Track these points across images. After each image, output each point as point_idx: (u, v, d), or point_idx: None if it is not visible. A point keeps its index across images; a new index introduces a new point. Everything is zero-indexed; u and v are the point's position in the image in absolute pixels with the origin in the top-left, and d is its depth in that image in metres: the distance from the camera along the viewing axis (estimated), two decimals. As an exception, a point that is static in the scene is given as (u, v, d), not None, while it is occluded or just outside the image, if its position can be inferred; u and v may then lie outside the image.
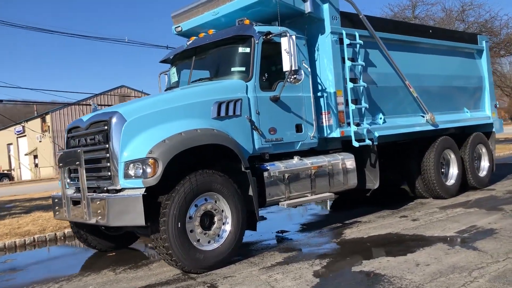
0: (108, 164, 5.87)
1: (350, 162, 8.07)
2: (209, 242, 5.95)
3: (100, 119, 6.11)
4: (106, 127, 5.93)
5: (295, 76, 6.82)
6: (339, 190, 8.19)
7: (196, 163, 6.25)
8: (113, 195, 5.66)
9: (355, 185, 8.28)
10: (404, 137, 9.49)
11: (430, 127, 9.57)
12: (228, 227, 6.11)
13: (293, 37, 6.71)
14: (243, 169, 6.33)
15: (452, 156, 10.24)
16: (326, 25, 7.81)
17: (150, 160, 5.55)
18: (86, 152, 6.23)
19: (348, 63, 7.94)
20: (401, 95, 9.08)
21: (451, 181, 10.13)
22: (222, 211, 6.10)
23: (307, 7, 7.48)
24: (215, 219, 6.03)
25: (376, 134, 8.37)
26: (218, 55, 7.43)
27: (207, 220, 5.99)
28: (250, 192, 6.41)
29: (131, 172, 5.65)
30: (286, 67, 6.67)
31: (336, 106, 7.83)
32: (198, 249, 5.78)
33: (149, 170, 5.54)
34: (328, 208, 10.77)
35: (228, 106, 6.51)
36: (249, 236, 7.90)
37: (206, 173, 5.95)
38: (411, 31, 9.51)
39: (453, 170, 10.24)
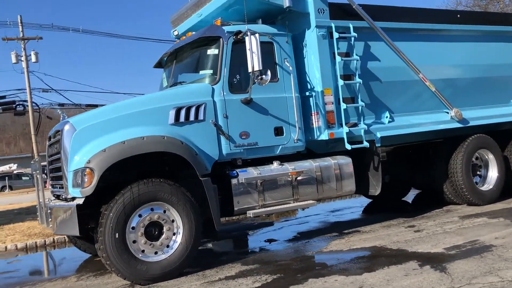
0: (61, 173, 5.97)
1: (345, 166, 7.40)
2: (156, 253, 5.78)
3: (58, 129, 6.24)
4: (59, 137, 6.03)
5: (261, 76, 6.38)
6: (331, 196, 7.60)
7: (154, 172, 6.16)
8: (57, 204, 5.74)
9: (352, 192, 7.59)
10: (427, 137, 8.52)
11: (456, 125, 8.45)
12: (179, 238, 5.89)
13: (257, 35, 6.28)
14: (199, 177, 6.06)
15: (491, 156, 8.98)
16: (311, 19, 7.23)
17: (87, 169, 5.54)
18: (54, 160, 6.41)
19: (338, 59, 7.27)
20: (414, 90, 8.12)
21: (488, 186, 8.90)
22: (173, 221, 5.90)
23: (285, 2, 6.96)
24: (164, 229, 5.85)
25: (379, 134, 7.58)
26: (191, 58, 7.24)
27: (155, 231, 5.82)
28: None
29: (75, 182, 5.68)
30: (250, 67, 6.28)
31: (324, 106, 7.22)
32: (141, 260, 5.64)
33: (86, 179, 5.53)
34: (353, 212, 10.03)
35: (188, 111, 6.28)
36: (235, 244, 7.64)
37: (152, 182, 5.79)
38: (429, 18, 8.44)
39: (492, 173, 8.98)
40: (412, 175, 9.52)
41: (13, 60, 33.35)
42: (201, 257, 6.95)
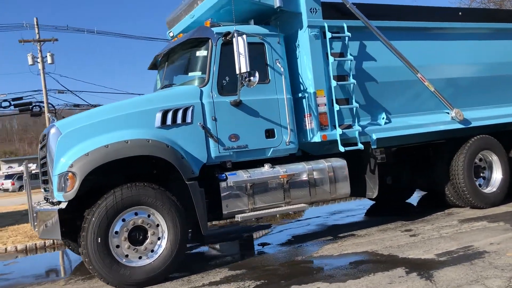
0: (47, 176, 5.96)
1: (339, 169, 7.24)
2: (140, 257, 5.73)
3: (45, 133, 6.23)
4: (46, 141, 6.03)
5: (249, 78, 6.26)
6: (325, 199, 7.46)
7: (142, 175, 6.12)
8: (42, 208, 5.74)
9: (347, 194, 7.44)
10: (428, 138, 8.31)
11: (458, 126, 8.21)
12: (164, 243, 5.83)
13: (244, 37, 6.18)
14: (186, 181, 5.99)
15: (495, 158, 8.72)
16: (303, 19, 7.08)
17: (69, 174, 5.52)
18: (43, 164, 6.41)
19: (331, 59, 7.12)
20: (412, 91, 7.91)
21: (492, 188, 8.64)
22: (158, 225, 5.84)
23: (276, 2, 6.84)
24: (148, 234, 5.79)
25: (374, 136, 7.39)
26: (181, 60, 7.17)
27: (139, 235, 5.77)
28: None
29: (59, 185, 5.66)
30: (237, 69, 6.18)
31: (316, 108, 7.08)
32: (124, 264, 5.59)
33: (68, 183, 5.51)
34: (353, 215, 9.86)
35: (175, 114, 6.21)
36: (228, 248, 7.57)
37: (136, 186, 5.74)
38: (428, 16, 8.21)
39: (496, 175, 8.72)
40: (413, 177, 9.31)
41: (30, 61, 33.81)
42: (192, 261, 6.90)
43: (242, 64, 6.14)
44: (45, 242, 9.42)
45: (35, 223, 5.95)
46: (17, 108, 34.28)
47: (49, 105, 34.92)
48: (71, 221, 5.76)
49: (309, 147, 7.45)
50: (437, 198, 9.10)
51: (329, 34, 7.11)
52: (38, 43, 34.27)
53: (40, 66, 34.08)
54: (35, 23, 34.38)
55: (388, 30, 7.65)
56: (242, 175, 6.50)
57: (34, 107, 34.79)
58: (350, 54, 7.35)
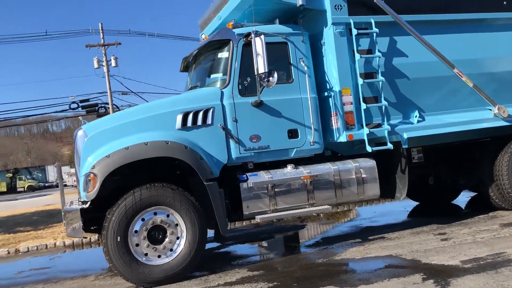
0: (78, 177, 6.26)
1: (368, 169, 7.03)
2: (159, 256, 5.87)
3: (74, 135, 6.54)
4: (74, 143, 6.34)
5: (268, 78, 6.23)
6: (352, 201, 7.30)
7: (164, 176, 6.29)
8: (68, 207, 6.03)
9: (376, 196, 7.21)
10: (468, 136, 7.87)
11: (502, 123, 7.69)
12: (182, 242, 5.94)
13: (262, 37, 6.16)
14: (204, 182, 6.07)
15: (544, 157, 8.08)
16: (327, 16, 6.93)
17: (91, 175, 5.76)
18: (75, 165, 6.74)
19: (357, 56, 6.92)
20: (448, 87, 7.50)
21: (543, 190, 8.01)
22: (176, 225, 5.95)
23: (298, 0, 6.74)
24: (167, 233, 5.92)
25: (406, 135, 7.10)
26: (205, 62, 7.25)
27: (159, 234, 5.91)
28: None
29: (84, 186, 5.92)
30: (255, 70, 6.17)
31: (342, 107, 6.91)
32: (143, 263, 5.76)
33: (90, 184, 5.75)
34: (391, 216, 9.53)
35: (196, 116, 6.30)
36: (254, 248, 7.59)
37: (154, 186, 5.88)
38: (468, 7, 7.72)
39: (547, 175, 8.07)
40: (455, 178, 8.84)
41: (95, 65, 35.55)
42: (216, 261, 6.98)
43: (260, 64, 6.12)
44: (90, 238, 9.88)
45: (64, 222, 6.26)
46: (84, 110, 36.24)
47: (114, 106, 36.49)
48: (94, 221, 6.01)
49: (339, 147, 7.30)
50: (483, 200, 8.60)
51: (355, 31, 6.91)
52: (103, 47, 35.95)
53: (105, 69, 35.73)
54: (100, 28, 36.08)
55: (420, 24, 7.29)
56: (263, 176, 6.48)
57: (100, 108, 36.58)
58: (379, 51, 7.10)
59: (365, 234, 7.62)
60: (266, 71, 6.13)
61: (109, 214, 5.70)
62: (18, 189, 55.77)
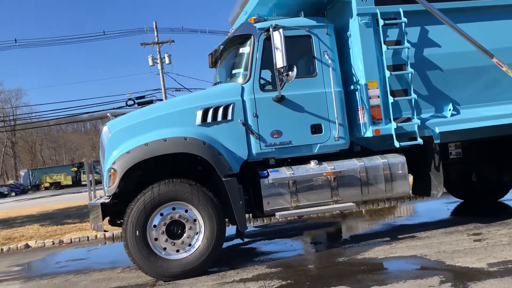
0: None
1: (397, 166, 6.75)
2: (177, 251, 5.93)
3: (100, 131, 6.73)
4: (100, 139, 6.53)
5: (287, 73, 6.12)
6: (380, 198, 7.05)
7: (187, 171, 6.36)
8: (91, 202, 6.22)
9: (406, 193, 6.94)
10: (509, 131, 7.35)
11: (547, 116, 7.13)
12: (201, 237, 5.97)
13: (281, 31, 6.06)
14: (222, 177, 6.07)
15: None
16: (353, 7, 6.69)
17: (111, 170, 5.91)
18: (105, 161, 6.94)
19: (384, 48, 6.64)
20: (486, 78, 7.03)
21: None
22: (195, 220, 5.99)
23: (320, -9, 6.57)
24: (186, 228, 5.97)
25: (437, 130, 6.74)
26: (229, 57, 7.21)
27: (178, 229, 5.98)
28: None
29: (106, 181, 6.10)
30: (274, 64, 6.09)
31: (368, 100, 6.67)
32: (161, 257, 5.84)
33: (110, 179, 5.90)
34: (428, 215, 9.12)
35: (216, 112, 6.30)
36: (278, 245, 7.53)
37: (173, 182, 5.95)
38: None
39: None
40: (500, 174, 8.31)
41: (150, 63, 36.53)
42: (239, 256, 7.00)
43: (278, 58, 6.03)
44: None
45: (90, 216, 6.48)
46: (140, 106, 37.45)
47: (168, 103, 37.33)
48: (117, 215, 6.18)
49: (369, 142, 7.06)
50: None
51: (382, 22, 6.63)
52: (157, 45, 36.89)
53: (159, 66, 36.65)
54: (154, 26, 37.07)
55: (453, 12, 6.88)
56: (285, 172, 6.38)
57: (155, 105, 37.66)
58: (408, 41, 6.77)
59: (396, 232, 7.33)
60: (285, 65, 6.02)
61: (129, 208, 5.83)
62: (83, 183, 58.58)
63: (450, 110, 6.93)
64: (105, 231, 6.24)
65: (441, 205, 9.91)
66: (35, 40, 50.28)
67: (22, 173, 66.55)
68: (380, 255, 6.01)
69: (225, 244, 7.69)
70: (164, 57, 36.73)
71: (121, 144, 6.15)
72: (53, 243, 10.03)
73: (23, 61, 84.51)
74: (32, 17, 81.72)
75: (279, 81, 6.24)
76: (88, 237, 10.06)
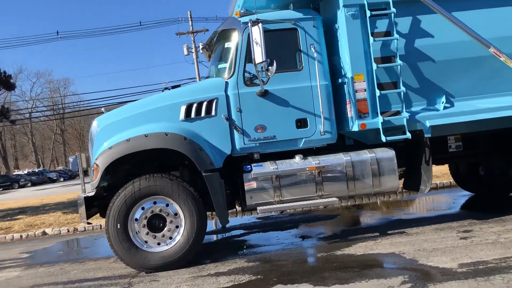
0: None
1: (386, 160, 6.62)
2: (158, 244, 6.09)
3: (90, 126, 6.95)
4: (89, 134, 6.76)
5: (267, 68, 6.11)
6: (367, 193, 6.94)
7: (174, 166, 6.52)
8: (79, 196, 6.46)
9: (395, 189, 6.80)
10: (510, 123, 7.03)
11: (552, 108, 6.76)
12: (181, 231, 6.10)
13: (260, 25, 6.01)
14: (203, 172, 6.16)
15: None
16: (339, -2, 6.56)
17: (94, 165, 6.12)
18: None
19: (371, 40, 6.48)
20: (482, 69, 6.71)
21: None
22: (176, 214, 6.12)
23: (304, -18, 6.47)
24: (167, 222, 6.11)
25: (428, 123, 6.54)
26: (216, 52, 7.23)
27: (159, 223, 6.13)
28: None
29: (90, 175, 6.32)
30: (253, 60, 6.08)
31: (354, 94, 6.55)
32: (142, 249, 6.02)
33: (93, 174, 6.11)
34: (430, 210, 8.89)
35: (199, 107, 6.37)
36: (265, 238, 7.58)
37: (153, 177, 6.09)
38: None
39: None
40: (506, 168, 7.98)
41: (185, 52, 36.98)
42: (227, 249, 7.09)
43: (257, 54, 6.00)
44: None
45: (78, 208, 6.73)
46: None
47: (203, 91, 37.70)
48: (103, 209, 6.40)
49: (361, 136, 6.95)
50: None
51: (369, 12, 6.47)
52: (192, 35, 37.27)
53: (194, 55, 37.06)
54: (189, 16, 37.41)
55: (449, 0, 6.61)
56: (268, 167, 6.40)
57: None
58: (399, 32, 6.58)
59: (389, 227, 7.21)
60: (265, 60, 6.00)
61: (111, 202, 6.03)
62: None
63: (443, 102, 6.70)
64: (88, 223, 6.46)
65: (450, 198, 9.63)
66: (77, 32, 51.88)
67: (70, 159, 69.31)
68: (360, 251, 5.94)
69: (221, 236, 7.87)
70: (199, 46, 37.07)
71: (108, 139, 6.34)
72: (68, 231, 10.49)
73: (71, 52, 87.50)
74: (71, 11, 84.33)
75: (259, 77, 6.23)
76: (101, 226, 10.41)
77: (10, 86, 17.72)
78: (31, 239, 10.39)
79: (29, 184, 48.36)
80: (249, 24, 6.05)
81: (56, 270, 6.90)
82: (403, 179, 7.40)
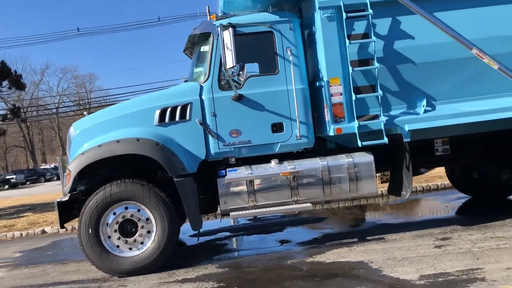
0: (69, 171, 6.76)
1: (364, 165, 6.51)
2: (130, 249, 6.13)
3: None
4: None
5: (238, 73, 6.08)
6: (344, 199, 6.84)
7: (151, 170, 6.55)
8: (56, 200, 6.55)
9: (373, 194, 6.70)
10: (496, 127, 6.76)
11: (533, 111, 6.49)
12: (153, 236, 6.12)
13: (230, 30, 5.97)
14: (174, 178, 6.16)
15: None
16: (315, 0, 6.43)
17: (67, 170, 6.19)
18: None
19: (347, 42, 6.34)
20: (466, 71, 6.49)
21: None
22: (147, 219, 6.14)
23: (278, -16, 6.37)
24: (138, 227, 6.14)
25: (407, 127, 6.37)
26: (194, 55, 7.18)
27: (132, 228, 6.16)
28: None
29: (63, 180, 6.40)
30: (224, 64, 6.04)
31: (330, 98, 6.43)
32: (113, 254, 6.07)
33: (66, 179, 6.19)
34: (421, 215, 8.69)
35: (174, 112, 6.36)
36: (246, 242, 7.56)
37: (124, 182, 6.12)
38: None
39: None
40: (497, 171, 7.72)
41: (203, 48, 37.09)
42: (204, 253, 7.09)
43: (228, 58, 5.96)
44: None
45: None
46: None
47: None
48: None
49: (343, 140, 6.82)
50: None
51: (345, 15, 6.32)
52: (210, 30, 37.29)
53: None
54: (207, 11, 37.31)
55: (428, 1, 6.40)
56: (243, 172, 6.36)
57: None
58: (378, 34, 6.42)
59: (370, 232, 7.07)
60: (235, 65, 5.96)
61: (83, 207, 6.09)
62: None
63: (423, 106, 6.52)
64: (62, 227, 6.53)
65: (445, 201, 9.40)
66: (96, 28, 52.84)
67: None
68: (330, 259, 5.85)
69: (203, 239, 7.89)
70: (217, 42, 37.09)
71: (84, 144, 6.40)
72: (66, 230, 10.66)
73: (94, 48, 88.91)
74: (90, 8, 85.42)
75: (231, 82, 6.20)
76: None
77: (20, 86, 18.11)
78: (31, 238, 10.64)
79: (54, 178, 49.44)
80: (219, 29, 6.00)
81: (38, 272, 7.04)
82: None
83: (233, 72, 6.08)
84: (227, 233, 8.34)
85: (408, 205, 9.53)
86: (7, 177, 49.74)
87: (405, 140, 6.41)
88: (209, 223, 9.30)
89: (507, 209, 8.02)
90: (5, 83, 16.98)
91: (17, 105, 20.78)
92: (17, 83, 17.34)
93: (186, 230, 7.49)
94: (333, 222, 8.63)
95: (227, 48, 5.99)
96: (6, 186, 45.77)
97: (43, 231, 10.85)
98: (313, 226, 8.33)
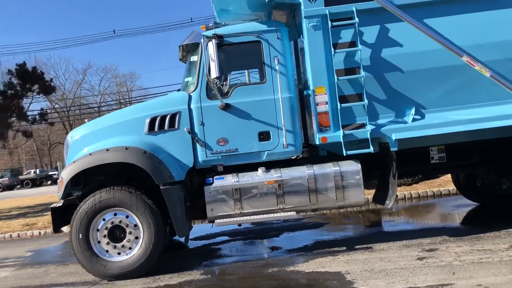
0: (66, 177, 7.05)
1: (350, 174, 6.49)
2: (119, 254, 6.35)
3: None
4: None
5: (222, 83, 6.21)
6: (330, 207, 6.88)
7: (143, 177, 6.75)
8: (53, 205, 6.86)
9: (360, 203, 6.68)
10: (491, 135, 6.63)
11: (527, 119, 6.29)
12: (140, 242, 6.32)
13: (213, 41, 6.11)
14: (160, 185, 6.34)
15: None
16: (301, 9, 6.45)
17: (60, 177, 6.48)
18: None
19: (332, 51, 6.33)
20: (456, 79, 6.36)
21: None
22: (135, 226, 6.34)
23: (262, -6, 6.42)
24: (126, 233, 6.35)
25: (394, 137, 6.30)
26: (186, 65, 7.31)
27: (121, 233, 6.38)
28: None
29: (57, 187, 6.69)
30: (207, 75, 6.19)
31: (315, 107, 6.45)
32: (102, 258, 6.30)
33: (59, 186, 6.47)
34: (423, 223, 8.53)
35: (163, 120, 6.54)
36: (237, 248, 7.66)
37: (113, 189, 6.34)
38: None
39: None
40: (497, 180, 7.52)
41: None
42: (194, 258, 7.25)
43: (212, 69, 6.10)
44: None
45: None
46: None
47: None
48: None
49: (333, 147, 6.80)
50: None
51: (330, 23, 6.31)
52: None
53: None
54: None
55: (417, 8, 6.31)
56: (229, 180, 6.47)
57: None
58: (365, 42, 6.40)
59: (362, 241, 7.01)
60: (218, 75, 6.09)
61: (75, 213, 6.36)
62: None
63: (412, 114, 6.44)
64: (56, 231, 6.83)
65: (449, 208, 9.21)
66: (131, 29, 54.54)
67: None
68: (311, 268, 5.88)
69: (200, 243, 8.06)
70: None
71: (79, 152, 6.67)
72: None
73: (136, 48, 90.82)
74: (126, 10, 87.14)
75: (216, 91, 6.32)
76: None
77: (49, 91, 18.77)
78: (48, 237, 11.10)
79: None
80: (202, 40, 6.13)
81: (40, 272, 7.39)
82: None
83: (216, 83, 6.20)
84: (225, 237, 8.46)
85: (414, 211, 9.40)
86: (49, 173, 51.57)
87: (392, 149, 6.35)
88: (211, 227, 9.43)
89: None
90: (35, 87, 17.73)
91: (44, 109, 21.51)
92: (46, 89, 18.07)
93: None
94: (332, 228, 8.60)
95: (211, 59, 6.12)
96: (49, 182, 47.49)
97: (60, 231, 11.26)
98: (310, 232, 8.34)
